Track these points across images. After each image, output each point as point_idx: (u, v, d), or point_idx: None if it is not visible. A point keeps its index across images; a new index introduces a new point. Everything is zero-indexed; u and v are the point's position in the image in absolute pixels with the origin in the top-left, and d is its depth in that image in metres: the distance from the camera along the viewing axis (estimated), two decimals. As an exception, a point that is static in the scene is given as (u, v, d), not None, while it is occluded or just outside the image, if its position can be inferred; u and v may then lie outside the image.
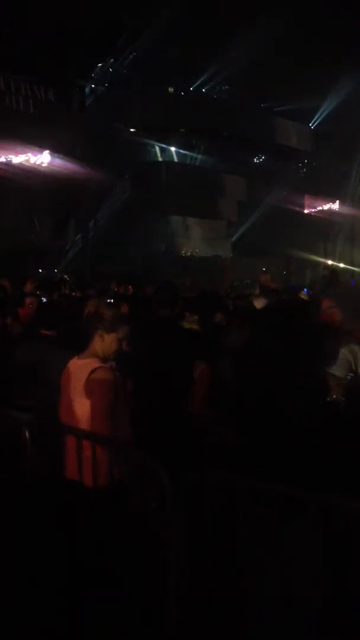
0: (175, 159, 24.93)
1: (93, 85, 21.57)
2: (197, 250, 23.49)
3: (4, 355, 4.12)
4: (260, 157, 26.34)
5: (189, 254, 23.25)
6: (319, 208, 26.03)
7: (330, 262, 24.51)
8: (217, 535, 2.50)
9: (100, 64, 20.97)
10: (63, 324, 4.15)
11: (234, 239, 24.73)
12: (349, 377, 3.31)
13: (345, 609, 2.34)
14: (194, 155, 24.83)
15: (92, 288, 9.39)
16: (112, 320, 3.36)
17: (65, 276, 15.69)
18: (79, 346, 3.43)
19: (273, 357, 2.76)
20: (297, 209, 25.70)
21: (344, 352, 3.51)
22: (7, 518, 3.19)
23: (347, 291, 5.83)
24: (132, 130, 22.30)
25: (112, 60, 21.07)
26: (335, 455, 2.41)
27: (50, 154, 18.98)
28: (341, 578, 2.35)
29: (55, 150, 19.06)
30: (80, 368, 3.32)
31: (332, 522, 2.27)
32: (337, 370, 3.43)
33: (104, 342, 3.34)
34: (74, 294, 9.60)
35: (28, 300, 6.00)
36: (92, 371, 3.23)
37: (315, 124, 25.70)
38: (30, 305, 5.83)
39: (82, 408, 3.24)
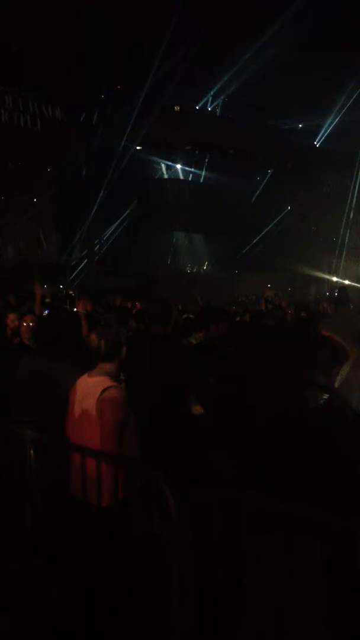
0: (181, 176, 25.11)
1: (100, 104, 21.79)
2: (203, 267, 23.57)
3: (8, 369, 4.13)
4: (265, 174, 26.49)
5: (194, 269, 23.32)
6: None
7: (335, 278, 24.53)
8: (224, 552, 2.50)
9: (107, 83, 21.20)
10: (65, 339, 4.16)
11: (239, 254, 24.82)
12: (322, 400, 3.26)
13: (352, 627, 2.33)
14: (200, 172, 25.00)
15: (98, 305, 9.41)
16: (109, 349, 3.40)
17: (71, 292, 15.74)
18: (82, 361, 3.45)
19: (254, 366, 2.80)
20: (302, 224, 25.77)
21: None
22: (11, 535, 3.19)
23: (349, 315, 5.80)
24: (138, 147, 22.49)
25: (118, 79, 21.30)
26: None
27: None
28: (345, 595, 2.34)
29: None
30: (91, 387, 3.33)
31: (336, 541, 2.27)
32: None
33: (115, 362, 3.39)
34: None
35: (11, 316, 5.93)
36: (104, 390, 3.24)
37: (320, 141, 25.86)
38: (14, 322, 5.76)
39: (91, 426, 3.25)
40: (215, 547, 2.48)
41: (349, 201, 24.85)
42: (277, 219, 24.64)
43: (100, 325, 3.98)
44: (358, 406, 3.28)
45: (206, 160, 24.64)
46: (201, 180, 25.15)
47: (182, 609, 2.54)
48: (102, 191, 20.58)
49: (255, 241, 24.36)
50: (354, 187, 24.72)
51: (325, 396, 3.23)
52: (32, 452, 3.28)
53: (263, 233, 24.38)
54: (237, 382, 2.83)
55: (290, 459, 2.47)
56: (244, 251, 24.51)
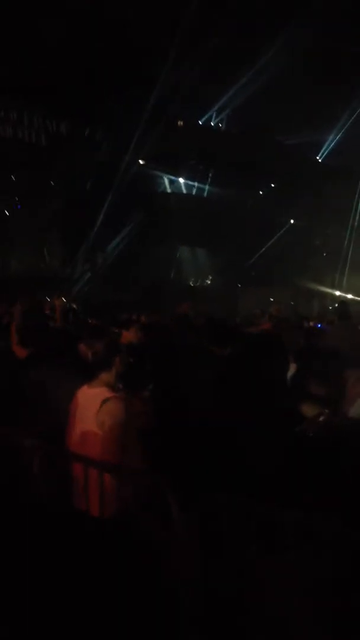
0: (184, 190, 25.23)
1: (104, 118, 21.96)
2: (207, 281, 23.62)
3: (12, 380, 4.12)
4: (268, 188, 26.60)
5: (197, 283, 23.36)
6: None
7: (338, 292, 24.53)
8: (228, 561, 2.46)
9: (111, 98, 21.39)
10: (71, 350, 4.15)
11: (242, 268, 24.86)
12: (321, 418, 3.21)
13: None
14: (203, 186, 25.13)
15: (100, 319, 9.39)
16: (98, 359, 3.39)
17: (74, 305, 15.75)
18: (86, 372, 3.44)
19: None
20: (305, 239, 25.85)
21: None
22: (12, 544, 3.16)
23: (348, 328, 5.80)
24: (141, 162, 22.62)
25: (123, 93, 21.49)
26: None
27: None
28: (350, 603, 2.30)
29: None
30: (90, 398, 3.31)
31: (342, 549, 2.24)
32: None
33: (111, 372, 3.37)
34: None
35: None
36: (104, 401, 3.22)
37: (322, 156, 26.00)
38: None
39: (92, 437, 3.22)
40: (222, 555, 2.45)
41: (352, 215, 24.92)
42: (279, 233, 24.70)
43: (91, 335, 3.98)
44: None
45: (209, 174, 24.78)
46: (204, 194, 25.26)
47: (188, 618, 2.50)
48: (105, 205, 20.68)
49: (258, 255, 24.41)
50: (357, 201, 24.81)
51: (326, 411, 3.21)
52: (35, 461, 3.26)
53: (266, 247, 24.44)
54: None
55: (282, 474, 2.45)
56: (247, 265, 24.56)
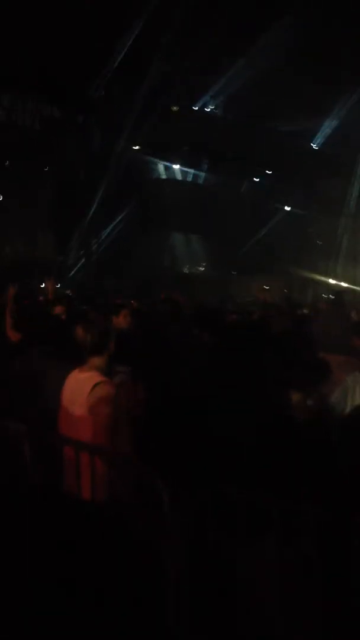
0: (179, 177, 25.11)
1: (98, 103, 21.80)
2: (200, 268, 23.59)
3: (3, 365, 4.13)
4: (263, 176, 26.51)
5: (191, 270, 23.34)
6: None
7: (332, 281, 24.54)
8: (217, 548, 2.49)
9: (105, 83, 21.23)
10: (62, 336, 4.15)
11: (236, 256, 24.83)
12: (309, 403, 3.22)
13: (342, 625, 2.32)
14: (197, 173, 25.01)
15: (92, 303, 9.39)
16: (95, 343, 3.38)
17: (68, 291, 15.73)
18: (78, 358, 3.44)
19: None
20: (300, 227, 25.80)
21: (347, 381, 3.44)
22: (4, 529, 3.18)
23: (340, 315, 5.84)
24: (136, 148, 22.48)
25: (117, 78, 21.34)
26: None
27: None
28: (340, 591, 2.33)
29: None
30: (81, 382, 3.32)
31: (329, 537, 2.26)
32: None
33: (103, 356, 3.37)
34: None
35: None
36: (94, 386, 3.23)
37: (318, 143, 25.90)
38: None
39: (83, 422, 3.24)
40: (210, 543, 2.47)
41: (347, 203, 24.87)
42: (274, 221, 24.65)
43: (87, 319, 3.98)
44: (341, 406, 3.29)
45: (204, 161, 24.66)
46: (199, 180, 25.15)
47: (177, 603, 2.53)
48: (99, 191, 20.58)
49: (252, 243, 24.37)
50: (352, 189, 24.75)
51: (310, 400, 3.23)
52: (25, 446, 3.27)
53: (260, 235, 24.40)
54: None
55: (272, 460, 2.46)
56: (242, 252, 24.52)
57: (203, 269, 23.83)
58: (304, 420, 2.81)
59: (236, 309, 11.30)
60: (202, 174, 24.98)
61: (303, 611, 2.34)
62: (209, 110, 24.15)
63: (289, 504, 2.26)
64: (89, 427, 3.20)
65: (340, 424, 2.97)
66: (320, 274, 25.10)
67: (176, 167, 24.79)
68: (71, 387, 3.38)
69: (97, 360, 3.37)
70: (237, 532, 2.40)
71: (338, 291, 19.01)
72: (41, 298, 10.02)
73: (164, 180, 24.65)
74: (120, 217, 22.01)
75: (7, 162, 19.46)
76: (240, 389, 2.93)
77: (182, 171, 24.99)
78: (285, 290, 22.65)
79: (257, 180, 26.40)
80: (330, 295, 17.76)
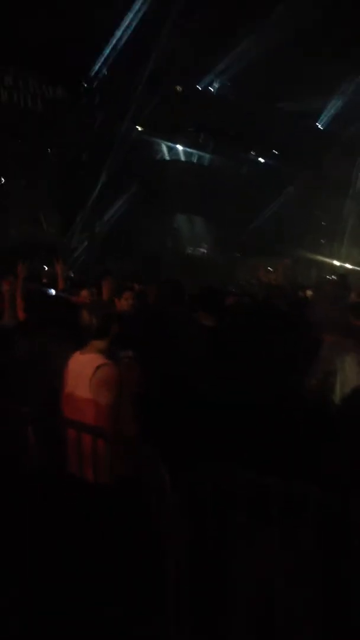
0: (183, 158, 24.91)
1: (101, 83, 21.58)
2: (203, 250, 23.49)
3: (7, 348, 4.13)
4: (268, 157, 26.29)
5: (194, 252, 23.25)
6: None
7: (336, 262, 24.42)
8: (216, 531, 2.50)
9: (108, 63, 21.00)
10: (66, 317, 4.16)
11: (240, 238, 24.71)
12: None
13: (342, 611, 2.33)
14: (201, 154, 24.81)
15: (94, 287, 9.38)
16: (101, 326, 3.38)
17: (71, 273, 15.68)
18: (80, 340, 3.45)
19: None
20: (304, 207, 25.62)
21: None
22: (7, 511, 3.21)
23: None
24: (139, 128, 22.28)
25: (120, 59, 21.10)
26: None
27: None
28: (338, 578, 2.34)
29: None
30: (83, 364, 3.33)
31: (329, 520, 2.27)
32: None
33: (106, 339, 3.37)
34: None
35: None
36: (97, 368, 3.23)
37: (323, 123, 25.64)
38: None
39: (86, 404, 3.25)
40: (210, 525, 2.49)
41: (352, 184, 24.66)
42: (278, 202, 24.47)
43: (93, 301, 3.97)
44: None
45: (208, 141, 24.44)
46: (203, 162, 24.95)
47: (177, 586, 2.55)
48: (103, 172, 20.45)
49: (256, 224, 24.23)
50: (357, 169, 24.53)
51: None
52: (28, 429, 3.29)
53: (265, 216, 24.25)
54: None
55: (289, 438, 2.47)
56: (245, 234, 24.39)
57: (206, 250, 23.71)
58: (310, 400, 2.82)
59: (239, 291, 11.27)
60: (206, 155, 24.76)
61: (297, 586, 2.36)
62: (212, 90, 23.88)
63: (290, 485, 2.27)
64: (92, 409, 3.21)
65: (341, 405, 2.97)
66: (325, 255, 24.99)
67: (180, 148, 24.58)
68: (74, 369, 3.39)
69: (99, 343, 3.37)
70: (238, 514, 2.41)
71: (342, 273, 18.98)
72: (45, 280, 10.02)
73: (167, 161, 24.46)
74: (123, 199, 21.88)
75: (10, 144, 19.31)
76: (245, 370, 2.93)
77: (185, 152, 24.78)
78: (288, 272, 22.55)
79: (262, 161, 26.18)
80: (333, 276, 17.70)
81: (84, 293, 6.35)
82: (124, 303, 5.30)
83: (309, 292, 9.95)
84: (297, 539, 2.32)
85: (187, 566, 2.53)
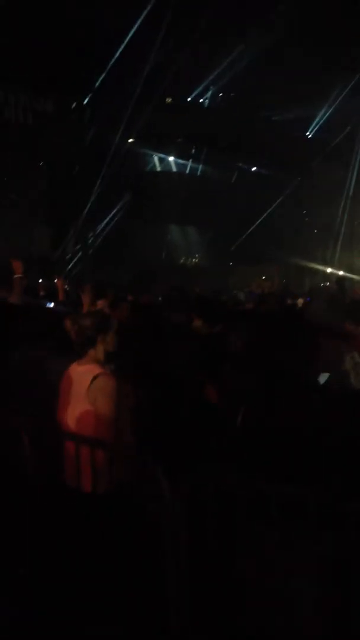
0: (174, 169, 25.03)
1: (92, 96, 21.68)
2: (195, 260, 23.56)
3: (4, 359, 4.12)
4: (259, 166, 26.45)
5: (187, 261, 23.31)
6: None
7: (329, 269, 24.54)
8: (218, 538, 2.49)
9: (98, 76, 21.11)
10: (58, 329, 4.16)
11: (232, 247, 24.81)
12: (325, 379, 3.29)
13: (343, 612, 2.32)
14: (193, 164, 24.94)
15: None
16: (104, 322, 3.38)
17: (66, 286, 15.66)
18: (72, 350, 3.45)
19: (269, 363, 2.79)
20: (296, 215, 25.78)
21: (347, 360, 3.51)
22: (5, 522, 3.19)
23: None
24: (130, 140, 22.40)
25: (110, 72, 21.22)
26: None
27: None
28: (345, 585, 2.32)
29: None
30: (81, 374, 3.32)
31: (334, 525, 2.26)
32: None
33: (106, 344, 3.37)
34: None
35: None
36: (94, 378, 3.23)
37: (312, 132, 25.84)
38: None
39: (84, 414, 3.24)
40: (211, 531, 2.48)
41: (346, 191, 24.80)
42: (270, 211, 24.61)
43: (76, 313, 3.98)
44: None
45: (198, 152, 24.57)
46: (194, 172, 25.07)
47: (177, 592, 2.54)
48: (94, 184, 20.51)
49: (248, 233, 24.35)
50: (351, 176, 24.68)
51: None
52: (25, 441, 3.27)
53: (257, 225, 24.37)
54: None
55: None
56: (238, 243, 24.49)
57: (199, 260, 23.79)
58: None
59: (233, 299, 11.31)
60: (197, 165, 24.90)
61: (308, 596, 2.35)
62: (202, 101, 24.04)
63: (289, 489, 2.27)
64: (89, 419, 3.20)
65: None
66: (317, 262, 25.10)
67: (171, 158, 24.70)
68: (71, 380, 3.38)
69: (95, 353, 3.36)
70: (238, 522, 2.40)
71: (338, 277, 19.10)
72: (42, 293, 10.04)
73: (158, 172, 24.58)
74: (115, 210, 21.96)
75: (1, 157, 19.34)
76: (243, 375, 2.93)
77: (177, 163, 24.91)
78: (283, 280, 22.69)
79: (253, 170, 26.33)
80: (327, 283, 17.79)
81: (101, 303, 6.30)
82: (120, 314, 5.31)
83: (300, 300, 10.02)
84: (298, 541, 2.31)
85: (187, 569, 2.52)
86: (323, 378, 3.44)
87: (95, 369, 3.27)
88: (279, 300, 7.12)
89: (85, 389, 3.22)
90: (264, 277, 20.18)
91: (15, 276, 6.05)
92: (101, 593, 2.85)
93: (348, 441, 2.46)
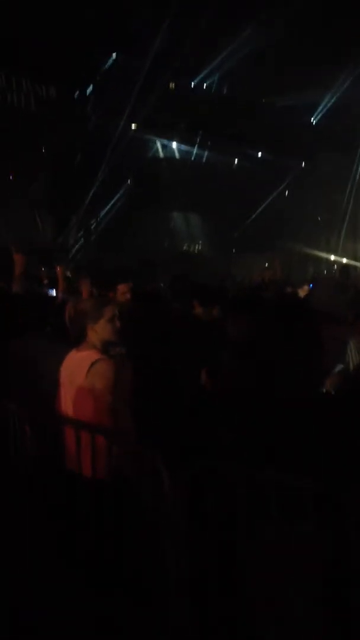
0: (177, 155, 24.89)
1: (95, 82, 21.55)
2: (198, 247, 23.49)
3: (3, 347, 4.13)
4: (262, 153, 26.27)
5: (190, 249, 23.25)
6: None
7: (333, 257, 24.43)
8: (218, 527, 2.49)
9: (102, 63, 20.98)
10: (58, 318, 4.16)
11: (235, 234, 24.71)
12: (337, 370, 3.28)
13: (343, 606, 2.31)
14: (196, 151, 24.80)
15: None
16: (94, 310, 3.36)
17: (68, 273, 15.64)
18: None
19: (274, 350, 2.77)
20: (299, 203, 25.62)
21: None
22: (6, 509, 3.20)
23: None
24: (133, 126, 22.26)
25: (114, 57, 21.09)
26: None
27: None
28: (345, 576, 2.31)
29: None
30: (79, 361, 3.32)
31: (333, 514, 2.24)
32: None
33: (97, 332, 3.34)
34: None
35: None
36: (93, 363, 3.22)
37: (317, 118, 25.63)
38: None
39: (83, 400, 3.24)
40: (210, 520, 2.47)
41: (351, 178, 24.61)
42: (273, 198, 24.48)
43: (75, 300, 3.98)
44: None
45: (202, 138, 24.42)
46: (199, 159, 24.93)
47: (177, 582, 2.54)
48: (98, 171, 20.42)
49: (251, 220, 24.24)
50: (356, 163, 24.50)
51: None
52: (25, 428, 3.28)
53: (258, 212, 24.25)
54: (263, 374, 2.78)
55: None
56: (241, 230, 24.39)
57: (202, 247, 23.71)
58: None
59: (236, 287, 11.26)
60: (201, 152, 24.75)
61: (305, 588, 2.35)
62: (206, 87, 23.85)
63: (288, 479, 2.25)
64: (89, 405, 3.21)
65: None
66: (321, 250, 24.99)
67: (174, 145, 24.56)
68: (69, 366, 3.38)
69: (94, 338, 3.35)
70: (238, 509, 2.40)
71: (344, 265, 19.01)
72: (45, 281, 10.02)
73: (161, 158, 24.44)
74: (118, 197, 21.87)
75: (3, 145, 19.24)
76: (245, 363, 2.91)
77: (180, 149, 24.76)
78: (284, 268, 22.54)
79: (257, 156, 26.16)
80: (333, 270, 17.70)
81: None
82: (120, 297, 5.29)
83: (305, 288, 9.96)
84: (297, 533, 2.30)
85: (186, 563, 2.52)
86: (338, 368, 3.44)
87: (94, 355, 3.27)
88: (278, 289, 7.08)
89: (83, 374, 3.23)
90: (266, 265, 20.10)
91: (17, 269, 6.09)
92: (101, 579, 2.85)
93: (349, 432, 2.44)
